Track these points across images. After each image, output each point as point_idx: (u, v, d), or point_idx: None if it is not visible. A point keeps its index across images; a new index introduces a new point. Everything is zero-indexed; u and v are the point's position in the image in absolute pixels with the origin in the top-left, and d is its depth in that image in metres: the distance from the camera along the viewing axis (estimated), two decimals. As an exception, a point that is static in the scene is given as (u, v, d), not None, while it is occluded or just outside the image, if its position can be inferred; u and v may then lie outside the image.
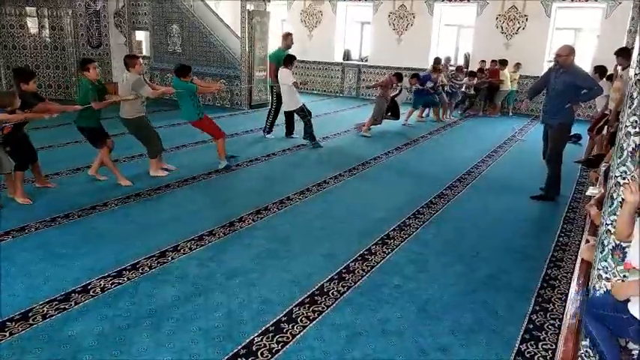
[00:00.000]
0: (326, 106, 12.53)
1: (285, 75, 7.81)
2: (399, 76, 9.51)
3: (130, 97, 5.67)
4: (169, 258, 3.94)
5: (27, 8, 10.80)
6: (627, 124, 2.20)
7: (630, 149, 2.18)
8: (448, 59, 12.50)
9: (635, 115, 2.15)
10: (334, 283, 3.64)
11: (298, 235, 4.53)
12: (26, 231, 4.34)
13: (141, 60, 5.97)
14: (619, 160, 2.26)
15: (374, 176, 6.59)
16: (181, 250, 4.08)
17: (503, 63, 11.70)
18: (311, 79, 14.93)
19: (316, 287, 3.57)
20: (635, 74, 2.16)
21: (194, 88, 6.15)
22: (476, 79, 11.50)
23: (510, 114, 12.23)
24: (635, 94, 2.15)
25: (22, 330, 2.93)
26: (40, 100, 5.28)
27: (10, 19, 10.62)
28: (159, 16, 12.03)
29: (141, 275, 3.65)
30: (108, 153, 5.65)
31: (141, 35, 13.19)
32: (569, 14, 11.98)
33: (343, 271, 3.85)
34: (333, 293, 3.50)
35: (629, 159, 2.19)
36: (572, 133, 8.68)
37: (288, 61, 7.91)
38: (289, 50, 8.53)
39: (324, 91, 14.83)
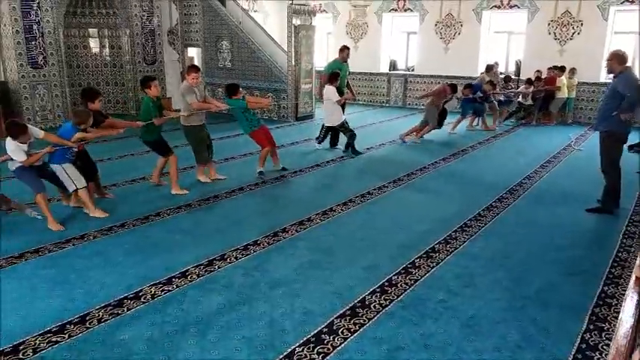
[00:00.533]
0: (372, 117, 12.52)
1: (330, 92, 7.96)
2: (453, 88, 9.46)
3: (185, 113, 6.10)
4: (216, 267, 4.06)
5: (89, 30, 11.49)
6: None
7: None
8: (496, 64, 12.23)
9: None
10: (376, 296, 3.63)
11: (341, 247, 4.55)
12: (85, 239, 4.59)
13: (197, 73, 6.14)
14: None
15: (419, 187, 6.53)
16: (227, 259, 4.19)
17: (561, 69, 11.30)
18: (357, 89, 14.96)
19: (358, 299, 3.58)
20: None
21: (244, 105, 6.50)
22: (532, 87, 11.14)
23: (570, 122, 11.76)
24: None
25: (80, 333, 3.11)
26: (105, 117, 5.63)
27: (75, 40, 11.33)
28: (209, 32, 12.46)
29: (189, 283, 3.78)
30: (176, 162, 5.98)
31: (193, 52, 13.68)
32: (628, 17, 11.44)
33: (385, 284, 3.83)
34: (374, 306, 3.49)
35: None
36: (634, 143, 8.28)
37: (333, 77, 8.05)
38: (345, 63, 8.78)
39: (370, 101, 14.83)
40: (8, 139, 4.70)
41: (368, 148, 8.63)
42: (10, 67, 9.68)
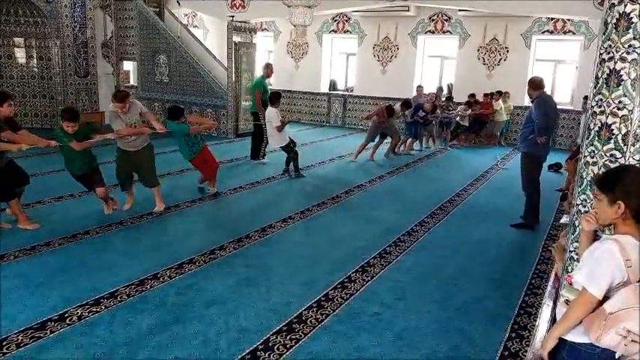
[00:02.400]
0: (312, 135, 12.68)
1: (272, 115, 7.76)
2: (389, 111, 9.55)
3: (109, 135, 5.43)
4: (148, 286, 3.94)
5: (15, 39, 10.92)
6: (586, 154, 2.30)
7: (589, 178, 2.27)
8: (440, 89, 12.81)
9: (592, 145, 2.25)
10: (312, 311, 3.66)
11: (279, 263, 4.55)
12: (5, 259, 4.31)
13: (123, 103, 5.41)
14: (579, 189, 2.35)
15: (356, 205, 6.67)
16: (161, 278, 4.08)
17: (499, 93, 11.93)
18: (297, 108, 15.16)
19: (294, 315, 3.59)
20: (591, 106, 2.28)
21: (185, 129, 6.12)
22: (470, 109, 11.67)
23: (502, 144, 12.42)
24: (591, 126, 2.26)
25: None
26: (14, 126, 4.91)
27: (0, 50, 10.72)
28: (146, 46, 12.21)
29: (119, 303, 3.64)
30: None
31: (129, 65, 13.34)
32: (549, 46, 12.39)
33: (322, 299, 3.87)
34: (311, 321, 3.52)
35: (588, 188, 2.28)
36: (553, 162, 8.92)
37: (275, 99, 7.90)
38: (269, 80, 8.85)
39: (311, 120, 15.03)
40: None
41: (308, 167, 8.72)
42: None
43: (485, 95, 12.07)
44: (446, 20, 12.99)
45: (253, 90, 8.98)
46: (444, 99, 12.42)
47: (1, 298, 3.63)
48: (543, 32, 11.99)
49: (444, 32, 13.12)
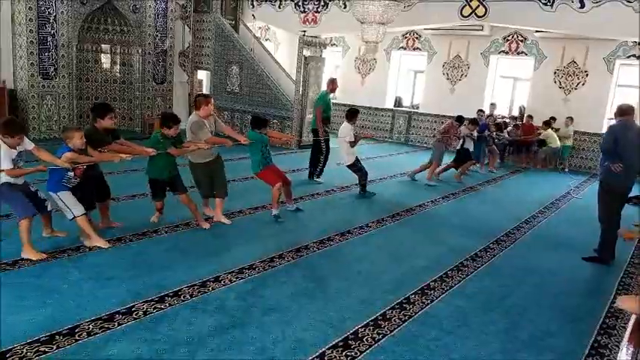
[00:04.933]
0: (374, 151, 12.61)
1: (346, 131, 7.51)
2: (459, 120, 9.32)
3: (201, 145, 5.38)
4: (210, 288, 4.03)
5: (102, 45, 11.68)
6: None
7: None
8: (493, 106, 12.50)
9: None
10: (369, 329, 3.60)
11: (336, 277, 4.53)
12: (80, 251, 4.57)
13: (210, 104, 5.56)
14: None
15: (417, 224, 6.53)
16: (222, 282, 4.17)
17: (547, 124, 11.46)
18: (361, 123, 15.12)
19: (351, 331, 3.54)
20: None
21: (266, 140, 6.07)
22: (506, 132, 11.34)
23: (566, 170, 11.85)
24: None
25: (68, 345, 3.07)
26: (116, 138, 5.07)
27: (87, 54, 11.50)
28: (220, 57, 12.70)
29: (182, 302, 3.75)
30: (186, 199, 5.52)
31: (202, 74, 13.90)
32: (633, 71, 11.69)
33: (379, 317, 3.80)
34: (367, 339, 3.46)
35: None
36: (635, 195, 8.29)
37: (351, 115, 7.62)
38: (333, 94, 8.58)
39: (373, 136, 14.94)
40: None
41: (369, 182, 8.63)
42: (20, 76, 9.81)
43: (529, 117, 11.95)
44: (521, 41, 12.60)
45: (316, 106, 8.74)
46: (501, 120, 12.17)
47: (74, 288, 3.85)
48: (629, 57, 11.35)
49: (518, 53, 12.73)
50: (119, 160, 4.79)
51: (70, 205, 4.52)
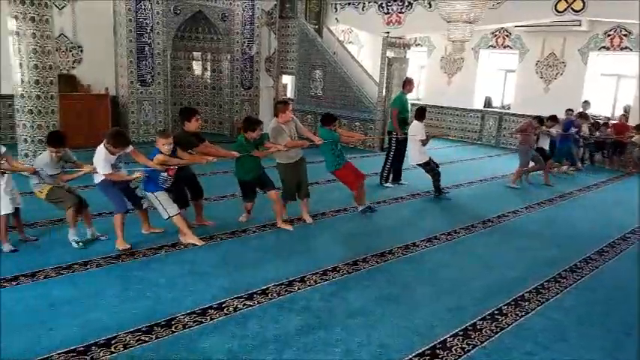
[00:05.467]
0: (461, 153, 12.21)
1: (417, 129, 7.45)
2: (539, 120, 8.76)
3: (280, 147, 5.57)
4: (296, 288, 4.09)
5: (194, 53, 12.33)
6: None
7: None
8: (587, 104, 11.54)
9: None
10: (458, 339, 3.47)
11: (422, 284, 4.42)
12: (177, 247, 4.84)
13: (288, 110, 5.75)
14: None
15: (509, 231, 6.21)
16: (307, 282, 4.22)
17: (639, 128, 10.45)
18: (447, 124, 14.76)
19: (439, 340, 3.43)
20: None
21: (336, 137, 6.19)
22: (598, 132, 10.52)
23: None
24: None
25: (165, 335, 3.26)
26: (202, 140, 5.26)
27: (180, 62, 12.20)
28: (304, 61, 12.93)
29: (269, 300, 3.84)
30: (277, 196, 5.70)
31: (287, 79, 14.23)
32: None
33: (469, 327, 3.65)
34: (456, 350, 3.33)
35: None
36: None
37: (421, 114, 7.58)
38: (409, 95, 8.38)
39: (461, 137, 14.48)
40: (101, 147, 4.54)
41: (456, 186, 8.40)
42: (121, 84, 10.60)
43: (623, 115, 11.12)
44: (624, 35, 11.61)
45: (392, 107, 8.51)
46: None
47: (171, 283, 4.08)
48: None
49: (621, 49, 11.74)
50: (206, 162, 5.06)
51: (165, 205, 4.81)
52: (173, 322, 3.42)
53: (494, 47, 13.85)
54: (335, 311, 3.75)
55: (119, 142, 4.59)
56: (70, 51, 9.84)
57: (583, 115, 10.57)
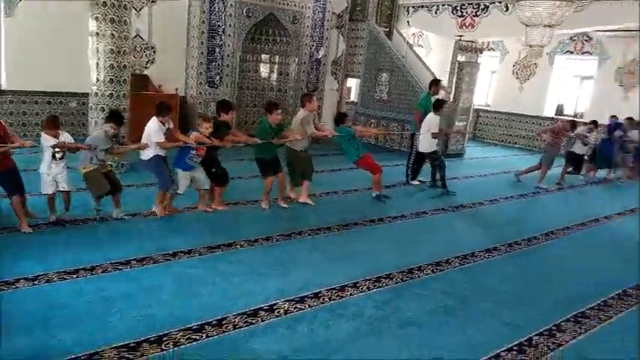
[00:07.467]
0: (530, 162, 11.65)
1: (432, 121, 7.75)
2: (572, 124, 8.93)
3: (297, 136, 6.31)
4: (348, 294, 4.08)
5: (262, 55, 12.58)
6: None
7: None
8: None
9: None
10: (512, 354, 3.33)
11: (479, 296, 4.28)
12: (232, 247, 4.94)
13: (313, 101, 6.58)
14: None
15: (579, 243, 5.94)
16: (359, 288, 4.19)
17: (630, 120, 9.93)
18: (517, 132, 14.20)
19: (492, 355, 3.31)
20: None
21: (352, 132, 6.94)
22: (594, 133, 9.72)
23: None
24: None
25: (216, 335, 3.32)
26: (229, 128, 6.11)
27: (248, 64, 12.48)
28: (371, 64, 12.82)
29: (321, 305, 3.85)
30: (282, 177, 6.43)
31: (352, 82, 14.20)
32: None
33: (524, 343, 3.49)
34: None
35: None
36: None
37: (439, 106, 7.85)
38: (435, 97, 8.40)
39: (528, 145, 13.85)
40: (153, 119, 5.33)
41: (521, 195, 8.07)
42: (190, 85, 10.99)
43: (613, 117, 10.50)
44: None
45: (417, 108, 8.56)
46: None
47: (226, 280, 4.17)
48: None
49: None
50: (230, 144, 6.02)
51: (180, 182, 5.59)
52: (224, 322, 3.46)
53: (572, 52, 13.14)
54: (387, 320, 3.70)
55: (166, 110, 5.40)
56: (144, 51, 10.30)
57: (633, 121, 9.94)
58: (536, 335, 3.62)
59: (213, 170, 5.85)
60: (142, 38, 10.16)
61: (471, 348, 3.40)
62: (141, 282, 4.03)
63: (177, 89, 10.60)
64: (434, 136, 7.78)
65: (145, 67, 10.34)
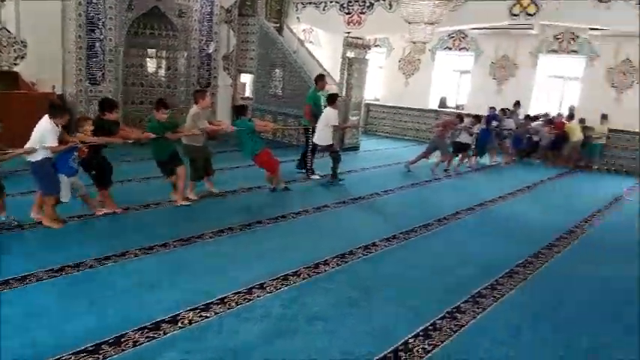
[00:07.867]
0: (416, 153, 12.32)
1: (331, 115, 7.98)
2: (460, 118, 9.90)
3: (195, 131, 6.34)
4: (255, 295, 3.97)
5: (148, 50, 11.90)
6: None
7: None
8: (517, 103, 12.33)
9: None
10: (419, 340, 3.46)
11: (383, 285, 4.40)
12: (126, 256, 4.57)
13: (207, 98, 6.62)
14: None
15: (464, 227, 6.34)
16: (267, 289, 4.10)
17: (570, 117, 11.51)
18: (404, 125, 14.95)
19: (400, 342, 3.41)
20: None
21: (252, 126, 6.90)
22: (548, 128, 11.35)
23: (596, 168, 11.57)
24: None
25: (115, 354, 3.02)
26: (117, 126, 5.89)
27: (134, 59, 11.74)
28: (264, 60, 12.71)
29: (227, 310, 3.70)
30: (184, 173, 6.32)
31: (246, 78, 13.99)
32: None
33: (429, 327, 3.65)
34: (418, 350, 3.32)
35: None
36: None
37: (334, 100, 8.11)
38: (322, 92, 8.85)
39: (416, 137, 14.67)
40: (46, 119, 4.92)
41: (413, 184, 8.50)
42: (68, 82, 10.10)
43: (559, 115, 11.91)
44: (572, 39, 12.09)
45: (306, 103, 9.05)
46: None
47: (121, 296, 3.85)
48: None
49: (568, 52, 12.23)
50: (122, 141, 5.76)
51: (64, 190, 5.18)
52: (122, 340, 3.18)
53: (451, 49, 14.13)
54: (295, 318, 3.65)
55: (61, 111, 5.12)
56: (13, 46, 9.26)
57: (507, 112, 11.73)
58: (439, 319, 3.80)
59: (93, 173, 5.66)
60: (8, 31, 9.10)
61: (377, 337, 3.47)
62: (22, 304, 3.56)
63: (54, 87, 9.66)
64: (335, 129, 7.97)
65: (15, 64, 9.28)
